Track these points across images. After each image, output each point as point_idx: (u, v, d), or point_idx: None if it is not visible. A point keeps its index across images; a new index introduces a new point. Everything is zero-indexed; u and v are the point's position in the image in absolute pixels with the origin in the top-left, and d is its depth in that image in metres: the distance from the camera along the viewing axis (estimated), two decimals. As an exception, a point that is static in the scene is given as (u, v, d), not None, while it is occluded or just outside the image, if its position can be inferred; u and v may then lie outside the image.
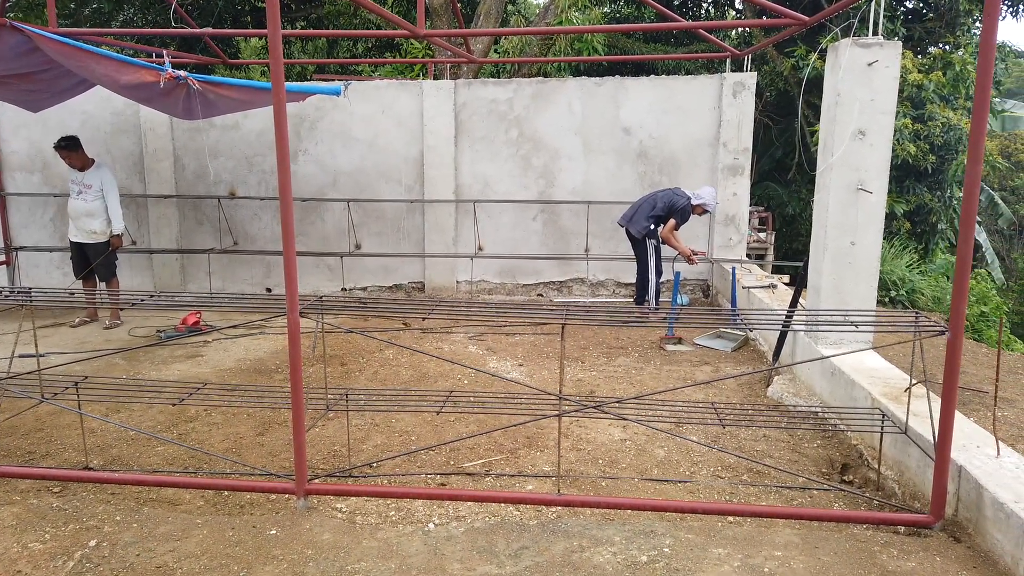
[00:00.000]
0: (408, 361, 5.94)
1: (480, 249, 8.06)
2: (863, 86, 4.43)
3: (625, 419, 3.74)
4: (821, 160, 4.72)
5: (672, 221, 6.81)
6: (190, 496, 3.62)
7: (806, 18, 5.18)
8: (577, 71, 11.36)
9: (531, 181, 7.98)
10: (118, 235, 6.97)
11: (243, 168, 8.16)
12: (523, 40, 11.07)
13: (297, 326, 3.20)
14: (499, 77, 11.63)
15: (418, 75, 11.26)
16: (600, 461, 4.02)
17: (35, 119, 7.55)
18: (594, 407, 3.34)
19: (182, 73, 5.04)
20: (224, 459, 4.01)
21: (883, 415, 3.60)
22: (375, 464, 4.06)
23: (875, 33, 4.46)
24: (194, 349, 6.35)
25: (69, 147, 6.79)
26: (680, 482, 3.75)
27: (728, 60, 7.72)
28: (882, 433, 3.55)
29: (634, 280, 7.49)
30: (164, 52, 5.27)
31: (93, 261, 6.99)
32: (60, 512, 3.17)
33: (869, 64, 4.41)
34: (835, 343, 4.63)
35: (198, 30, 6.59)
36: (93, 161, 6.93)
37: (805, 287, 5.08)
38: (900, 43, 4.48)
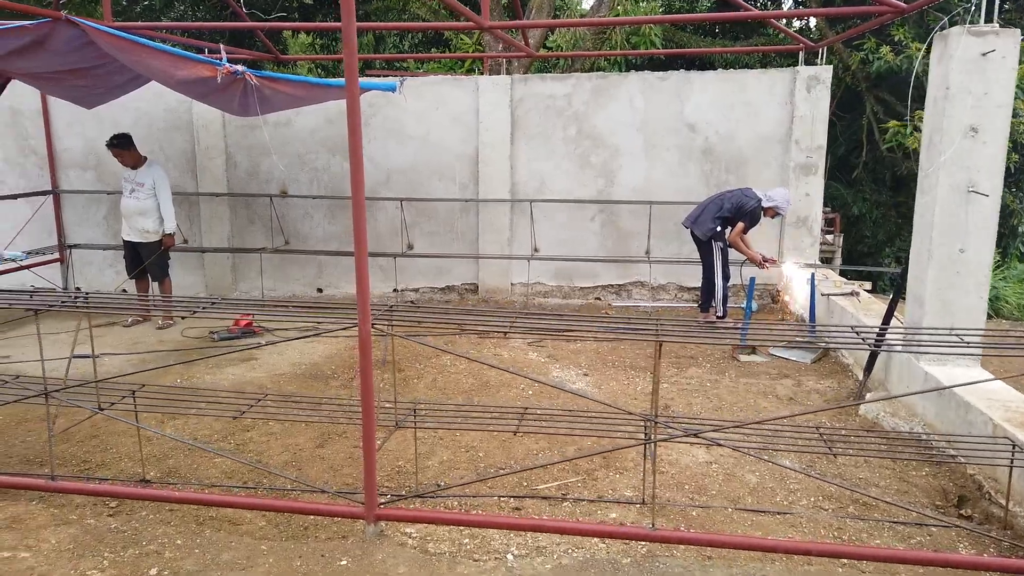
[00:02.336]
0: (467, 368, 5.68)
1: (536, 250, 7.77)
2: (976, 78, 4.03)
3: (734, 448, 3.42)
4: (926, 160, 4.32)
5: (741, 224, 6.44)
6: (251, 515, 3.42)
7: (903, 5, 4.77)
8: (632, 66, 10.99)
9: (589, 180, 7.66)
10: (170, 234, 6.86)
11: (295, 166, 7.99)
12: (575, 35, 10.75)
13: (368, 338, 2.96)
14: (547, 73, 11.32)
15: (468, 71, 11.02)
16: (686, 487, 3.70)
17: (89, 116, 7.45)
18: (692, 434, 3.03)
19: (239, 68, 4.85)
20: (284, 476, 3.80)
21: (1013, 445, 3.22)
22: (443, 483, 3.81)
23: (989, 20, 4.05)
24: (247, 351, 6.19)
25: (121, 145, 6.69)
26: (779, 513, 3.42)
27: (801, 53, 7.30)
28: (1012, 466, 3.17)
29: (698, 284, 7.14)
30: (221, 47, 5.10)
31: (146, 260, 6.89)
32: (118, 534, 2.98)
33: (983, 54, 4.01)
34: (938, 360, 4.23)
35: (251, 23, 6.41)
36: (145, 159, 6.82)
37: (902, 297, 4.68)
38: (1019, 31, 4.07)
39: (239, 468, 3.95)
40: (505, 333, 3.09)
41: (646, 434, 3.21)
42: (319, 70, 13.27)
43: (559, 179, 7.68)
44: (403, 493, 3.58)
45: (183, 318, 7.04)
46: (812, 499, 3.58)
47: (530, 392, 5.14)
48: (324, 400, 4.66)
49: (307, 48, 13.01)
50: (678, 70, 7.68)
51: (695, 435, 3.03)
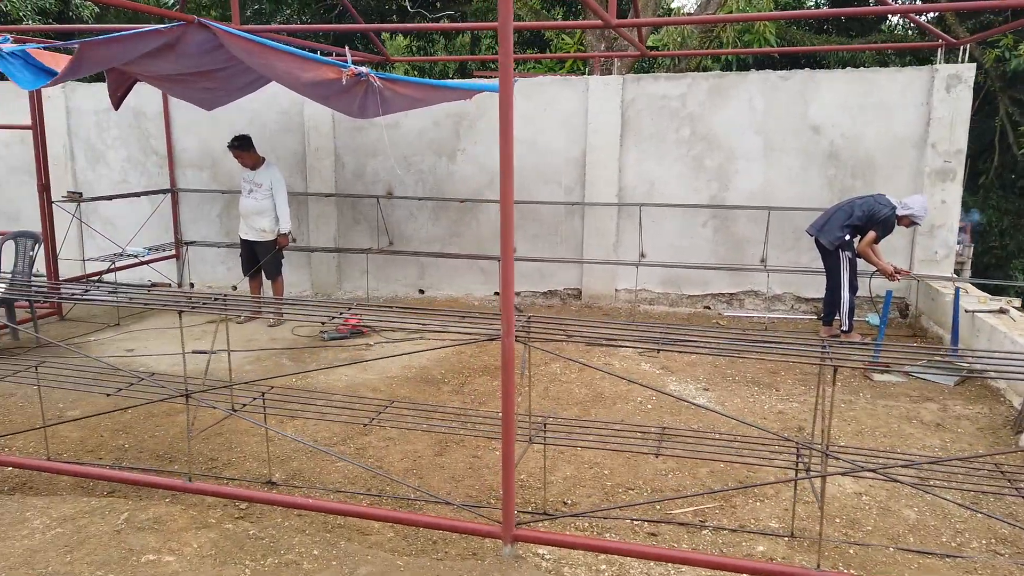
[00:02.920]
0: (578, 377, 5.52)
1: (642, 256, 7.52)
2: None
3: (915, 486, 3.12)
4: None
5: (872, 233, 6.02)
6: (379, 525, 3.35)
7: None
8: (744, 65, 10.56)
9: (702, 184, 7.36)
10: (285, 234, 6.97)
11: (401, 167, 8.02)
12: (683, 34, 10.41)
13: (512, 351, 2.82)
14: (649, 73, 11.01)
15: (568, 72, 10.85)
16: (837, 520, 3.41)
17: (206, 117, 7.69)
18: (870, 470, 2.75)
19: (364, 69, 4.83)
20: (407, 485, 3.72)
21: None
22: (569, 501, 3.65)
23: None
24: (357, 352, 6.21)
25: (242, 146, 6.84)
26: (949, 556, 3.10)
27: (940, 50, 6.79)
28: None
29: (817, 296, 6.73)
30: (347, 49, 5.11)
31: (261, 259, 7.03)
32: (257, 541, 2.95)
33: None
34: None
35: (368, 25, 6.44)
36: (263, 160, 6.96)
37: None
38: None
39: (361, 473, 3.91)
40: (658, 350, 2.89)
41: (806, 465, 2.95)
42: (415, 71, 13.40)
43: (670, 183, 7.41)
44: (538, 512, 3.44)
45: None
46: (984, 541, 3.23)
47: (649, 406, 4.93)
48: (438, 407, 4.59)
49: (404, 50, 13.16)
50: (799, 69, 7.28)
51: (873, 471, 2.74)
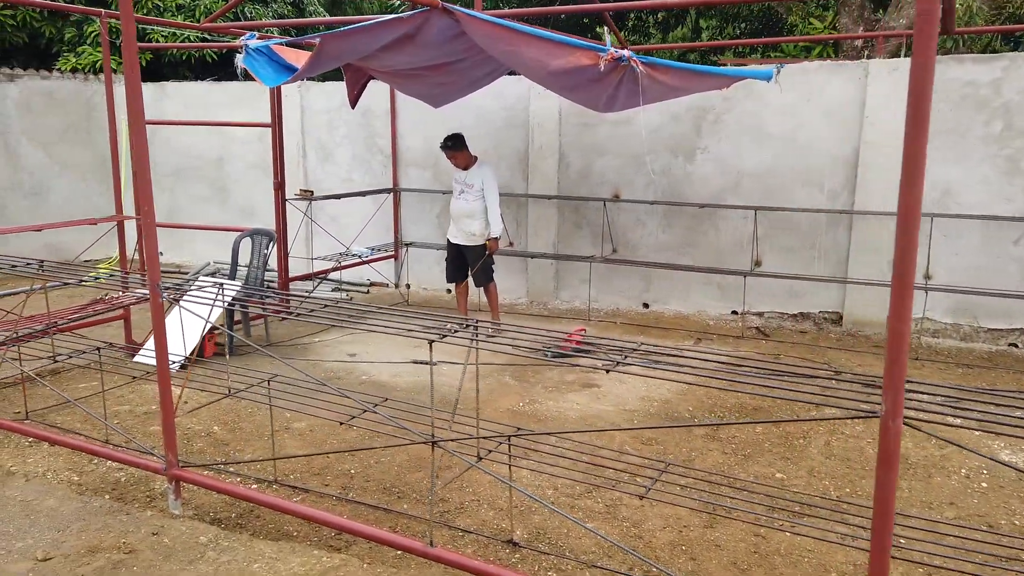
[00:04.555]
0: (864, 430, 4.42)
1: (928, 278, 6.15)
2: None
3: None
4: None
5: None
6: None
7: None
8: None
9: (1017, 191, 5.85)
10: (495, 238, 6.43)
11: (630, 168, 7.25)
12: (969, 9, 8.68)
13: (898, 440, 1.92)
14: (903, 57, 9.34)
15: (819, 57, 9.49)
16: None
17: (432, 115, 7.38)
18: None
19: (626, 53, 4.11)
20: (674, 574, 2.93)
21: None
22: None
23: None
24: (584, 374, 5.53)
25: (455, 146, 6.40)
26: None
27: None
28: None
29: None
30: (606, 31, 4.44)
31: (470, 264, 6.56)
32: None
33: None
34: None
35: (599, 6, 5.71)
36: (476, 159, 6.48)
37: None
38: None
39: (614, 537, 3.18)
40: None
41: None
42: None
43: (972, 189, 5.98)
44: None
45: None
46: None
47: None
48: (714, 473, 3.75)
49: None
50: None
51: None
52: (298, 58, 5.57)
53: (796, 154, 6.54)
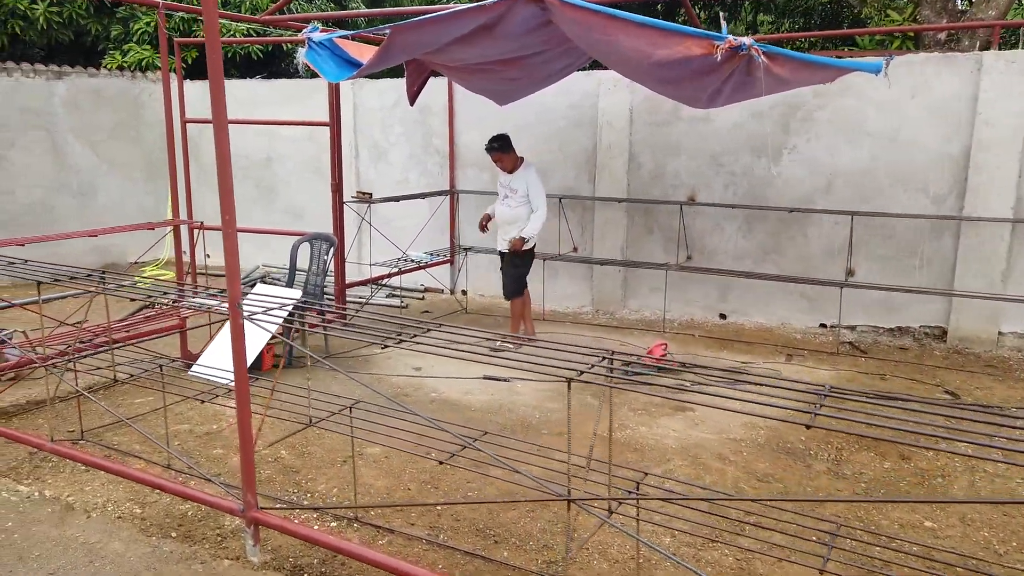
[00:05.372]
0: (1007, 467, 3.91)
1: (1050, 291, 5.60)
2: None
3: None
4: None
5: None
6: None
7: None
8: None
9: None
10: (522, 239, 5.86)
11: (708, 169, 6.77)
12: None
13: None
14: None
15: (899, 48, 8.90)
16: None
17: (493, 113, 6.92)
18: None
19: (746, 40, 3.65)
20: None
21: None
22: None
23: None
24: (672, 393, 5.06)
25: (502, 148, 5.93)
26: None
27: None
28: None
29: None
30: (722, 15, 3.99)
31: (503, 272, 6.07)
32: None
33: None
34: None
35: None
36: (522, 161, 6.02)
37: None
38: None
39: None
40: None
41: None
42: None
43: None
44: None
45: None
46: None
47: None
48: (889, 536, 3.28)
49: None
50: None
51: None
52: (360, 52, 5.19)
53: (897, 154, 6.01)
